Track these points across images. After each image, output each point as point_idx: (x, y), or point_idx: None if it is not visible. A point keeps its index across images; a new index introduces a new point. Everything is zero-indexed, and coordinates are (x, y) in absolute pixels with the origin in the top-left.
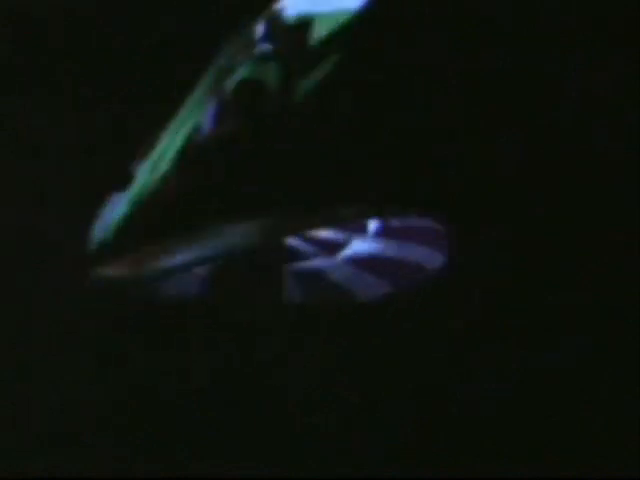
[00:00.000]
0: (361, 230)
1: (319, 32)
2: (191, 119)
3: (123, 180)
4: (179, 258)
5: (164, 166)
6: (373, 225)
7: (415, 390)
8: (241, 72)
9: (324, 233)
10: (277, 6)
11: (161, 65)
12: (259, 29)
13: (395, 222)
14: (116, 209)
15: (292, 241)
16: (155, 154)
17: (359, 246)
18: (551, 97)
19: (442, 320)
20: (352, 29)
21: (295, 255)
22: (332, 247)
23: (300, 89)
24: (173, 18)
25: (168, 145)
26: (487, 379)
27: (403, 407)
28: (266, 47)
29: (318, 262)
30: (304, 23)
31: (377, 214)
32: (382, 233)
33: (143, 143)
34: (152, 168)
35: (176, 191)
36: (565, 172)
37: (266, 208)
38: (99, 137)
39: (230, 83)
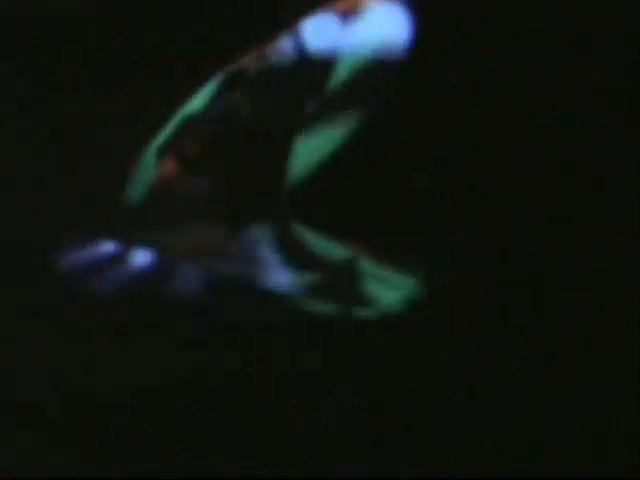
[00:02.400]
0: None
1: (339, 76)
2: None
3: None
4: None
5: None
6: None
7: (415, 390)
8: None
9: None
10: (303, 33)
11: (162, 66)
12: (282, 58)
13: None
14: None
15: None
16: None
17: None
18: (550, 101)
19: (442, 319)
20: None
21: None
22: None
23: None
24: (173, 18)
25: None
26: (487, 379)
27: (403, 407)
28: (287, 82)
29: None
30: (326, 63)
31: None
32: None
33: (144, 142)
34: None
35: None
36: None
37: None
38: (99, 136)
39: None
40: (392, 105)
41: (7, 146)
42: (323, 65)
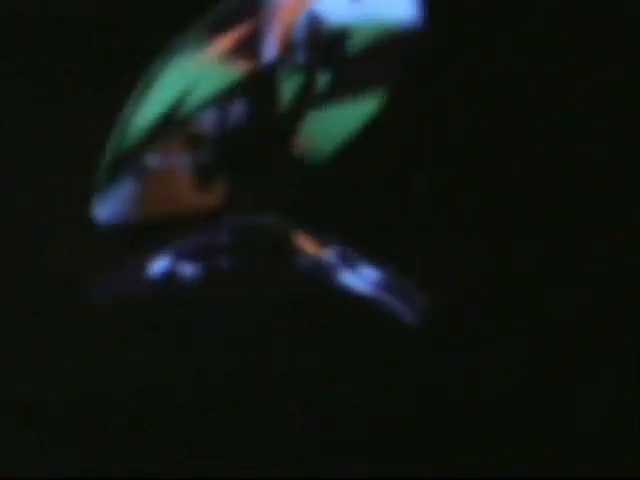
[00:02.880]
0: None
1: (357, 45)
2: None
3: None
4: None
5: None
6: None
7: (415, 390)
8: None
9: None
10: (316, 9)
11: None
12: (297, 33)
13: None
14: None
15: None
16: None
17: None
18: (548, 104)
19: (442, 319)
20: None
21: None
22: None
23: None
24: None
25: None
26: (487, 379)
27: (403, 407)
28: (301, 59)
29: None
30: (342, 35)
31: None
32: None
33: None
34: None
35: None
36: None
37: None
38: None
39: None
40: (392, 105)
41: (7, 146)
42: (337, 38)
